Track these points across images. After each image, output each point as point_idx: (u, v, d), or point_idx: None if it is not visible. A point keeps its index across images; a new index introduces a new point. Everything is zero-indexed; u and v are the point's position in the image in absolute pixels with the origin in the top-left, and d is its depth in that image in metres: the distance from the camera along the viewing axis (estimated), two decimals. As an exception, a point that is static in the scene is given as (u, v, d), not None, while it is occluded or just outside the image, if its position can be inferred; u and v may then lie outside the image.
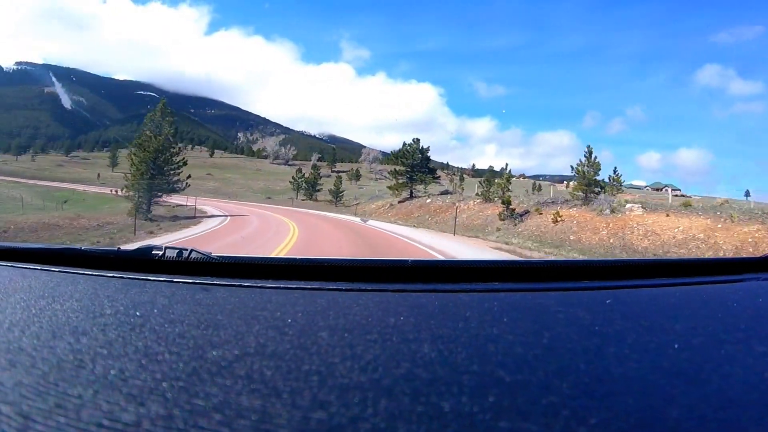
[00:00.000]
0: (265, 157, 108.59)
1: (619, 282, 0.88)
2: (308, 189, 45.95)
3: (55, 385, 0.40)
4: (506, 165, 22.09)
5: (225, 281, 0.84)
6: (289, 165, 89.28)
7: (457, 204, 20.84)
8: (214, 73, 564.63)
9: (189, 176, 20.62)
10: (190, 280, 0.85)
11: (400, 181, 28.62)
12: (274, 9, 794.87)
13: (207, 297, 0.74)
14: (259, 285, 0.82)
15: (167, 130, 18.97)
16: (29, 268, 0.94)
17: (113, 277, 0.88)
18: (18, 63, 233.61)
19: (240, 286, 0.81)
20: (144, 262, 0.99)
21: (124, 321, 0.58)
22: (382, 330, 0.56)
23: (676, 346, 0.51)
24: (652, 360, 0.47)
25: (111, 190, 25.83)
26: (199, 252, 0.96)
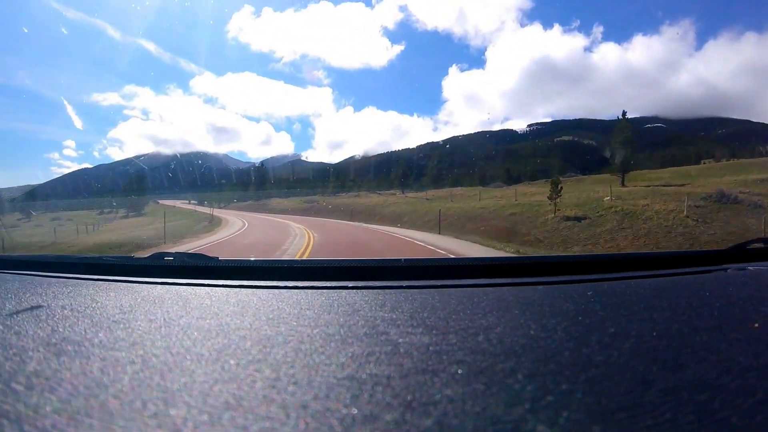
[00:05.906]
0: None
1: (600, 275, 0.95)
2: None
3: (90, 374, 0.44)
4: None
5: (232, 282, 0.90)
6: None
7: None
8: (715, 90, 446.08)
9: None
10: (197, 282, 0.92)
11: None
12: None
13: (214, 296, 0.78)
14: (262, 285, 0.88)
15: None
16: (56, 277, 1.04)
17: (128, 282, 0.95)
18: (529, 125, 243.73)
19: (248, 286, 0.87)
20: (157, 268, 1.06)
21: (141, 320, 0.63)
22: (380, 324, 0.59)
23: (654, 333, 0.54)
24: (631, 347, 0.49)
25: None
26: (207, 257, 1.05)
